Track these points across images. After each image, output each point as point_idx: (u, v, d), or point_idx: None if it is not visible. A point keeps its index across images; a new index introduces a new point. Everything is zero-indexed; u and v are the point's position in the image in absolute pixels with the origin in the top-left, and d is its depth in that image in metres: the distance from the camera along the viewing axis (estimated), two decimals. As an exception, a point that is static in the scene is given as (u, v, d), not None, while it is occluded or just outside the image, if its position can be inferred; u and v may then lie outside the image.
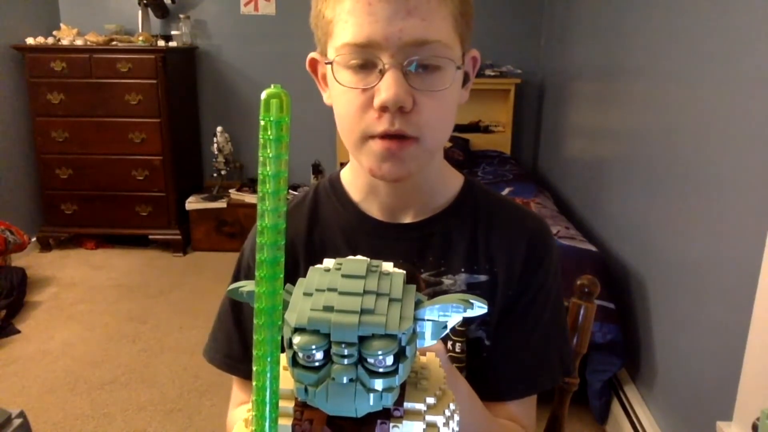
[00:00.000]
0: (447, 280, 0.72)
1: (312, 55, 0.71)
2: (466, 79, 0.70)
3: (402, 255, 0.72)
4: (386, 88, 0.60)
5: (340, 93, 0.64)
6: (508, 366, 0.73)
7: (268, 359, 0.31)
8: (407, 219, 0.74)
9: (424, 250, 0.73)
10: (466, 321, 0.72)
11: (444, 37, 0.61)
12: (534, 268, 0.74)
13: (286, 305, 0.36)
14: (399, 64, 0.60)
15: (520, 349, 0.73)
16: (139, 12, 3.60)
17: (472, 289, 0.72)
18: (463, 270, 0.73)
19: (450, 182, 0.77)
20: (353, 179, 0.76)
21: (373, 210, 0.75)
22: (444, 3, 0.61)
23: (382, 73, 0.60)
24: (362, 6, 0.59)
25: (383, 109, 0.61)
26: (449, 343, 0.72)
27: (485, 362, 0.73)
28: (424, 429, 0.36)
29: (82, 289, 3.07)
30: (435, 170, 0.74)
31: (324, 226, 0.76)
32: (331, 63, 0.63)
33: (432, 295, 0.71)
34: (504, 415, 0.72)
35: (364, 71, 0.62)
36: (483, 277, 0.73)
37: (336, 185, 0.78)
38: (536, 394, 0.75)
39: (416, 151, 0.64)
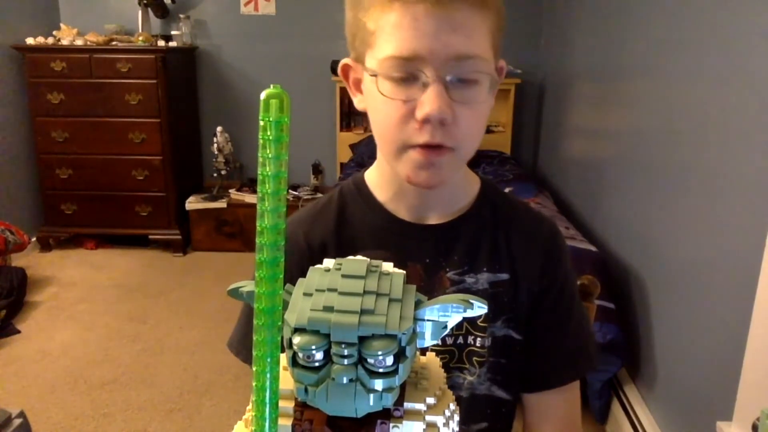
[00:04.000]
0: (469, 279, 0.75)
1: (345, 61, 0.73)
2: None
3: (429, 254, 0.75)
4: (429, 101, 0.61)
5: (381, 103, 0.66)
6: (549, 355, 0.78)
7: (268, 359, 0.31)
8: (432, 220, 0.77)
9: (450, 249, 0.76)
10: (489, 318, 0.75)
11: (483, 52, 0.64)
12: (555, 264, 0.78)
13: (286, 305, 0.36)
14: (441, 78, 0.62)
15: (559, 338, 0.78)
16: (139, 12, 3.60)
17: (495, 287, 0.75)
18: (485, 269, 0.75)
19: (470, 184, 0.80)
20: (380, 181, 0.78)
21: (401, 211, 0.77)
22: (485, 19, 0.63)
23: (425, 86, 0.62)
24: (409, 21, 0.61)
25: (425, 121, 0.63)
26: (470, 338, 0.75)
27: (522, 356, 0.78)
28: (424, 429, 0.36)
29: (82, 289, 3.07)
30: (459, 173, 0.76)
31: (352, 226, 0.78)
32: (375, 75, 0.65)
33: (456, 293, 0.73)
34: (550, 406, 0.79)
35: (406, 83, 0.63)
36: (505, 276, 0.76)
37: (361, 187, 0.80)
38: (579, 378, 0.80)
39: (452, 159, 0.67)
